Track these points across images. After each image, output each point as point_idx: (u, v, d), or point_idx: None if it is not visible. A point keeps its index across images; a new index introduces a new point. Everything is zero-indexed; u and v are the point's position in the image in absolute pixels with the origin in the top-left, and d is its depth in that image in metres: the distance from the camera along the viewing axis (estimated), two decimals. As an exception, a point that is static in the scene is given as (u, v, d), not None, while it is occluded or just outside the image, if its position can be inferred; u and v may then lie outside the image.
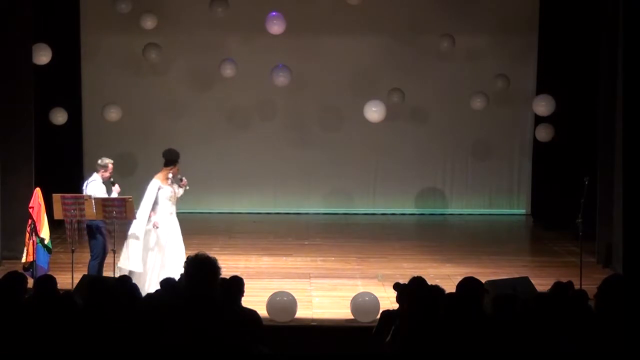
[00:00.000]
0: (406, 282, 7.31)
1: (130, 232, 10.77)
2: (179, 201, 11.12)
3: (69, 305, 6.43)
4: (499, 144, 17.34)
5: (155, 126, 17.05)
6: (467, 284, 6.55)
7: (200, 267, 5.72)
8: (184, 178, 11.05)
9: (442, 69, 16.89)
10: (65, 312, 6.30)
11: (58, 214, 10.75)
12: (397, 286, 7.39)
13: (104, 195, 10.87)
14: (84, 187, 11.12)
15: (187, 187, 11.08)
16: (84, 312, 6.39)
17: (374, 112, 14.63)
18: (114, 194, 10.94)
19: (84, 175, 16.75)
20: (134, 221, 10.76)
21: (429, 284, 7.44)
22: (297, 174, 17.23)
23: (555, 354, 5.90)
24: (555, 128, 15.34)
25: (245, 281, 7.23)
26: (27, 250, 10.74)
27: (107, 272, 10.79)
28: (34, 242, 10.72)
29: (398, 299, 7.31)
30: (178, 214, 11.08)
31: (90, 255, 11.02)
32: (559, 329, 6.00)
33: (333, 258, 13.30)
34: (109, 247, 10.88)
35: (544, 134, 15.48)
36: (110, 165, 11.12)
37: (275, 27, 14.70)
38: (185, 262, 5.79)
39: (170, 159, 11.00)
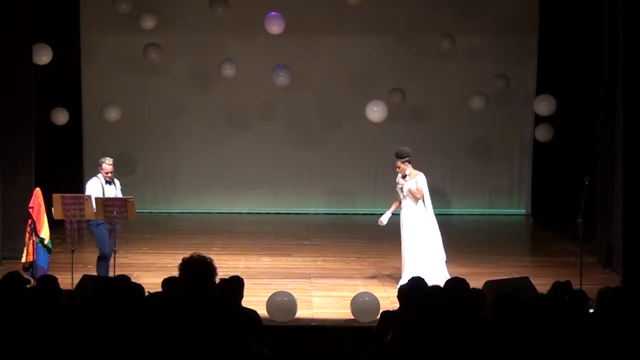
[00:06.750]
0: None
1: None
2: (410, 196, 11.84)
3: (70, 304, 6.43)
4: (499, 144, 17.33)
5: (155, 126, 17.06)
6: (456, 284, 6.55)
7: (195, 268, 5.71)
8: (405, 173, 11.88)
9: (442, 69, 16.88)
10: (66, 312, 6.30)
11: (58, 214, 10.74)
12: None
13: (97, 193, 10.84)
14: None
15: (407, 180, 11.86)
16: (85, 311, 6.38)
17: (375, 112, 14.61)
18: (110, 194, 10.92)
19: (84, 175, 16.78)
20: None
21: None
22: (297, 174, 17.22)
23: (554, 354, 5.90)
24: (555, 128, 15.35)
25: (245, 281, 7.22)
26: (27, 250, 10.73)
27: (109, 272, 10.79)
28: (34, 242, 10.70)
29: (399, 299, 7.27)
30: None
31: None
32: (558, 329, 6.00)
33: (333, 258, 13.29)
34: (110, 246, 10.86)
35: (544, 133, 15.48)
36: (104, 165, 11.05)
37: (275, 27, 14.71)
38: (180, 263, 5.77)
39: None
